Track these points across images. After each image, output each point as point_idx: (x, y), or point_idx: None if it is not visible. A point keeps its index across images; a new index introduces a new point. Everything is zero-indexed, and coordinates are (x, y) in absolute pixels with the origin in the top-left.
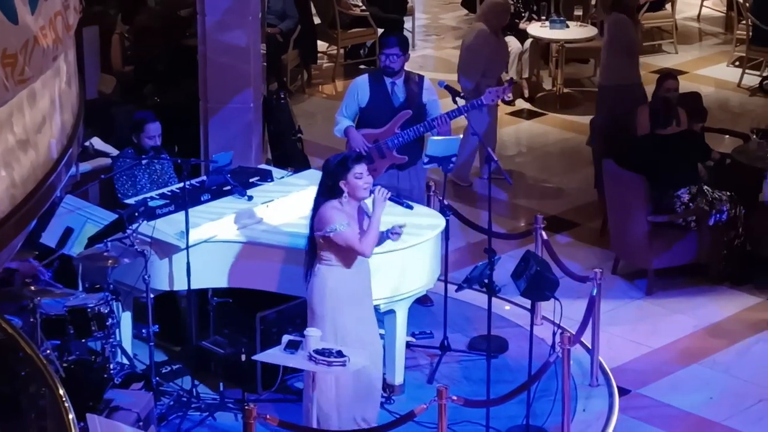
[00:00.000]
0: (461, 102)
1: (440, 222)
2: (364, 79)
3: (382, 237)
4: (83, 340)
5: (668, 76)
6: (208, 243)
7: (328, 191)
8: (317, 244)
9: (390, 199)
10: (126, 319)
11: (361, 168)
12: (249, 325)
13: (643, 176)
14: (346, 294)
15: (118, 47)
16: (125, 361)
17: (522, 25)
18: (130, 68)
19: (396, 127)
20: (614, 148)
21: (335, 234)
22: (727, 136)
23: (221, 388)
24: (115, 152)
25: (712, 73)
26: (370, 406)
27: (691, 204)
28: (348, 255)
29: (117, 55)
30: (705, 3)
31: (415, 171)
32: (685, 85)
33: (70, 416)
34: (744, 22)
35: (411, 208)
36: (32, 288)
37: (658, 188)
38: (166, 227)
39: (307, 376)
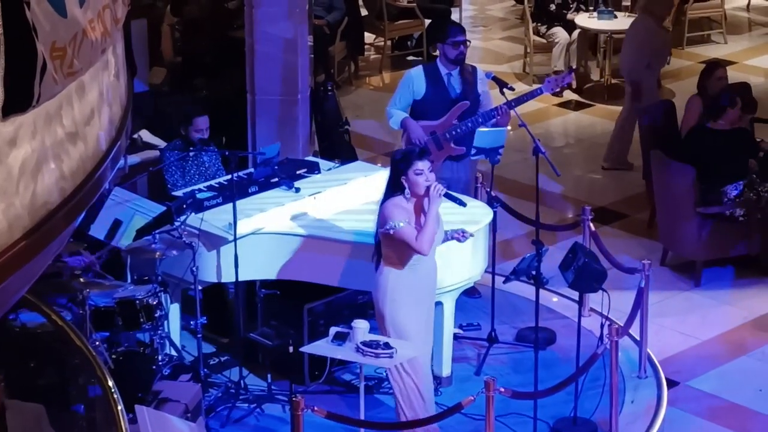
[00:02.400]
0: (509, 93)
1: (488, 213)
2: (418, 70)
3: (446, 237)
4: (132, 332)
5: (717, 65)
6: (256, 235)
7: (392, 187)
8: (381, 242)
9: (445, 195)
10: (174, 310)
11: (422, 164)
12: (296, 316)
13: (691, 167)
14: (406, 293)
15: (169, 38)
16: (173, 352)
17: (570, 16)
18: (179, 59)
19: (453, 118)
20: (662, 138)
21: (394, 231)
22: None
23: (269, 380)
24: (163, 144)
25: (762, 63)
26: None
27: (738, 199)
28: (408, 253)
29: (168, 46)
30: None
31: (467, 162)
32: (734, 75)
33: (119, 407)
34: None
35: (464, 205)
36: (81, 280)
37: (705, 182)
38: (214, 219)
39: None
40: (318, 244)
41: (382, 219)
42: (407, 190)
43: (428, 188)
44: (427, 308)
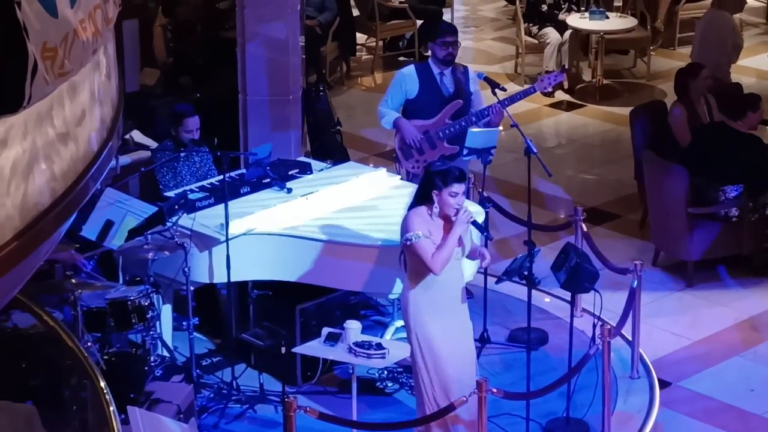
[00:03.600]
0: (501, 93)
1: (480, 214)
2: (410, 70)
3: (474, 254)
4: (124, 333)
5: (700, 65)
6: (248, 235)
7: (419, 197)
8: (404, 252)
9: (472, 222)
10: (166, 311)
11: (458, 187)
12: (289, 317)
13: (684, 167)
14: (427, 305)
15: (161, 39)
16: (165, 353)
17: (561, 16)
18: (171, 60)
19: (447, 117)
20: (653, 139)
21: (411, 243)
22: None
23: (261, 381)
24: (154, 145)
25: (753, 64)
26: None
27: (736, 200)
28: (423, 267)
29: (161, 47)
30: None
31: (460, 163)
32: None
33: (111, 408)
34: None
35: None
36: (73, 281)
37: (705, 177)
38: (206, 220)
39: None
40: (309, 244)
41: (403, 228)
42: (435, 205)
43: (457, 211)
44: (454, 319)
